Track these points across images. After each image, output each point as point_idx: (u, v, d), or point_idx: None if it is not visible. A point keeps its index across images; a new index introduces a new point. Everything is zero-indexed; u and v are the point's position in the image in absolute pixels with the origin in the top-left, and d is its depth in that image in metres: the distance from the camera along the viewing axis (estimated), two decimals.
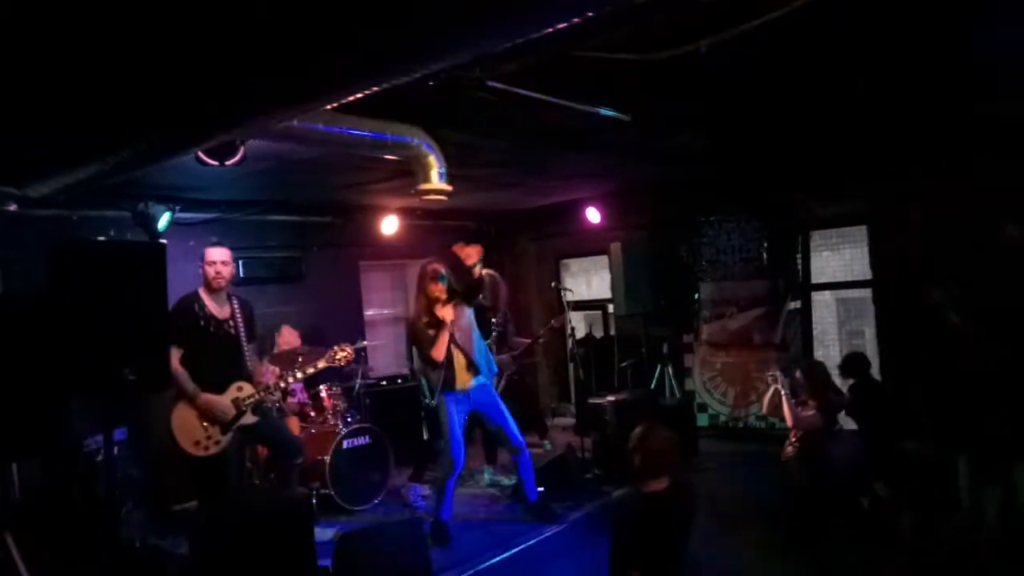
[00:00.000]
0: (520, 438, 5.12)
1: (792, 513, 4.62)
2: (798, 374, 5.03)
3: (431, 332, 4.86)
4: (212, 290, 4.57)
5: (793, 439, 5.05)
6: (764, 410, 4.99)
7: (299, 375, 4.93)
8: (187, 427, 4.39)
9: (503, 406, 5.12)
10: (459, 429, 4.93)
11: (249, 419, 4.56)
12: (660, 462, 3.39)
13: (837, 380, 5.55)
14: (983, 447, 4.63)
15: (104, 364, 3.33)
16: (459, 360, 4.95)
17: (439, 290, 4.87)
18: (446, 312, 4.84)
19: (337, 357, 5.01)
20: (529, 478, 5.17)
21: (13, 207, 4.68)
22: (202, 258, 4.60)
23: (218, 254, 4.59)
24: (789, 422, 4.67)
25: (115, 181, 4.08)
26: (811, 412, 4.79)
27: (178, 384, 4.33)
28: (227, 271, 4.61)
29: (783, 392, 4.83)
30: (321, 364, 4.99)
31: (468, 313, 5.04)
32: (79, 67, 2.79)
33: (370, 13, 2.17)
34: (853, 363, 5.88)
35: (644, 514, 3.37)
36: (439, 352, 4.83)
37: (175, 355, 4.23)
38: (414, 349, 5.75)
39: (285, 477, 4.94)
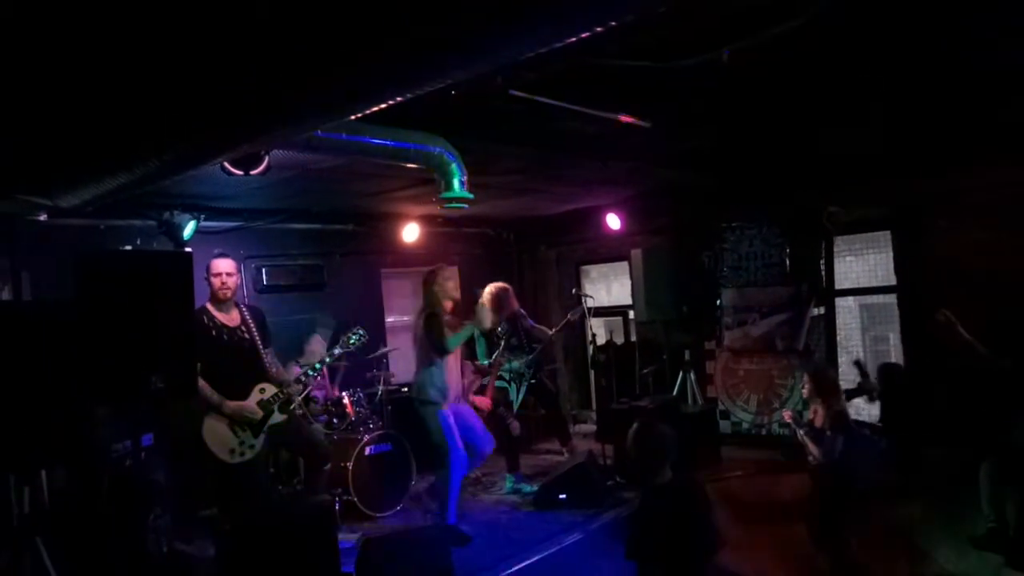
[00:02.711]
0: (490, 449, 5.40)
1: (816, 518, 4.59)
2: (805, 377, 5.00)
3: (451, 328, 5.11)
4: (218, 301, 4.61)
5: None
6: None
7: (317, 366, 4.97)
8: (219, 437, 4.43)
9: (475, 418, 5.44)
10: (458, 432, 5.16)
11: (278, 417, 4.61)
12: (657, 457, 3.43)
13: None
14: (1006, 453, 4.58)
15: (132, 372, 3.37)
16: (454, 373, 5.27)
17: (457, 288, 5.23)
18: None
19: (351, 341, 5.04)
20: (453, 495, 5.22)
21: (43, 217, 4.78)
22: (207, 270, 4.62)
23: (223, 265, 4.63)
24: (818, 457, 4.67)
25: (142, 191, 4.14)
26: (820, 449, 4.75)
27: (202, 396, 4.37)
28: (232, 282, 4.64)
29: (800, 433, 4.84)
30: (337, 351, 5.02)
31: None
32: (108, 79, 2.84)
33: (395, 24, 2.19)
34: (888, 374, 5.87)
35: (652, 509, 3.41)
36: (455, 345, 5.11)
37: None
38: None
39: (313, 483, 4.97)
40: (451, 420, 5.09)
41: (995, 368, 4.66)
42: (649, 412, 6.23)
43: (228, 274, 4.62)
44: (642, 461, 3.50)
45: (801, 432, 4.82)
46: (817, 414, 4.86)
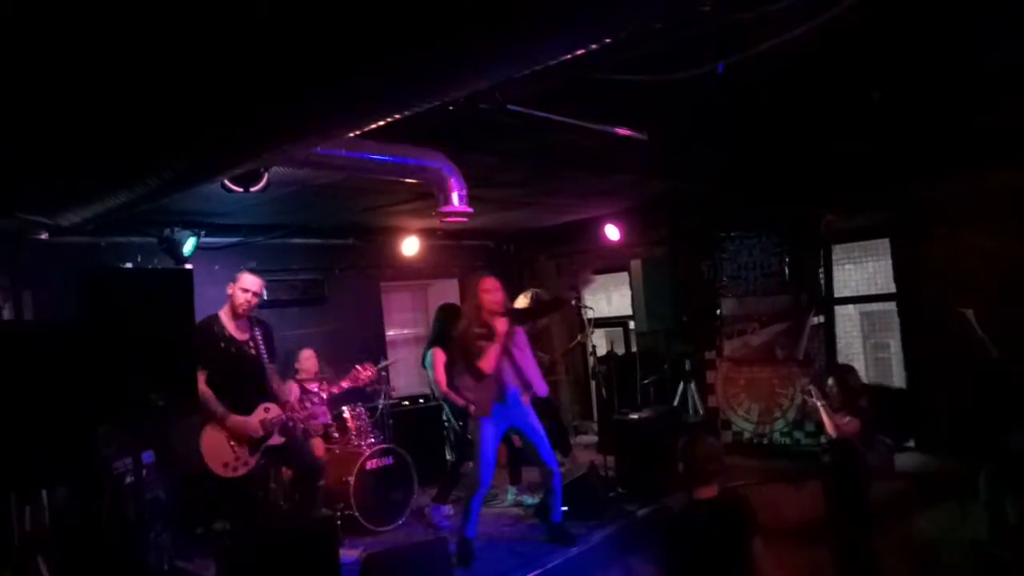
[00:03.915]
0: (554, 461, 5.10)
1: (830, 521, 4.59)
2: (831, 380, 5.01)
3: (481, 343, 4.82)
4: (236, 315, 4.61)
5: (827, 446, 5.02)
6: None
7: (324, 396, 4.98)
8: (216, 449, 4.43)
9: (540, 427, 5.09)
10: (492, 451, 4.93)
11: (276, 440, 4.60)
12: (706, 469, 3.40)
13: None
14: (1006, 459, 4.59)
15: (133, 390, 3.38)
16: (505, 377, 4.92)
17: (495, 302, 4.87)
18: (500, 323, 4.83)
19: (361, 376, 5.05)
20: (556, 501, 5.14)
21: (44, 235, 4.80)
22: (234, 281, 4.62)
23: (254, 283, 4.63)
24: (830, 431, 4.69)
25: (142, 208, 4.16)
26: (848, 419, 4.78)
27: (207, 406, 4.37)
28: (256, 302, 4.66)
29: (819, 404, 4.84)
30: (345, 384, 5.03)
31: (522, 332, 5.04)
32: (109, 97, 2.86)
33: (394, 42, 2.21)
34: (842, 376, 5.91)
35: (695, 523, 3.37)
36: (488, 364, 4.79)
37: (200, 377, 4.27)
38: (431, 368, 5.82)
39: (308, 499, 4.97)
40: (488, 436, 4.89)
41: (1004, 372, 4.68)
42: (651, 423, 6.23)
43: (254, 293, 4.63)
44: (690, 474, 3.44)
45: (820, 404, 4.83)
46: (840, 414, 4.87)
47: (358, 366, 5.09)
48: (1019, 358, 4.72)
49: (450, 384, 5.84)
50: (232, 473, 4.45)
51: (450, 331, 5.94)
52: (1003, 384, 4.72)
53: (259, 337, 4.66)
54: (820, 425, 5.03)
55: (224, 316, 4.60)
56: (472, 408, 5.61)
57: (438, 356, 5.86)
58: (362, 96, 2.65)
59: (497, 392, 4.88)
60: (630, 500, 5.89)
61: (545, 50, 2.26)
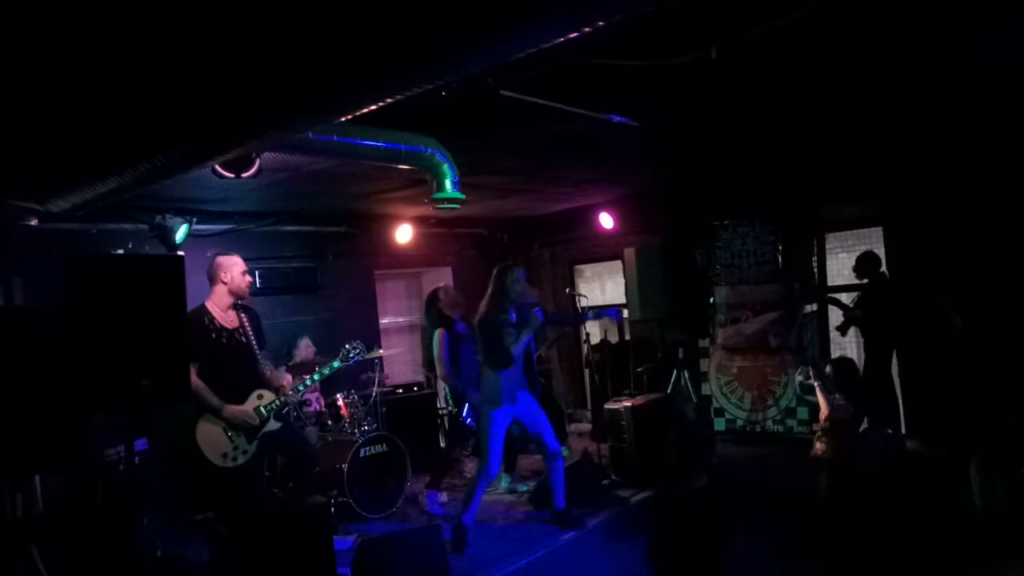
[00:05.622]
0: (557, 445, 5.15)
1: (822, 511, 4.62)
2: (828, 369, 5.05)
3: (510, 330, 4.87)
4: (230, 303, 4.58)
5: (820, 434, 5.06)
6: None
7: (316, 377, 4.97)
8: (213, 440, 4.41)
9: (542, 413, 5.13)
10: (502, 442, 4.98)
11: (273, 425, 4.59)
12: (696, 462, 3.41)
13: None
14: (994, 445, 4.63)
15: (124, 376, 3.35)
16: (517, 373, 4.97)
17: (530, 294, 4.93)
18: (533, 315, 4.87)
19: (350, 355, 5.05)
20: (559, 486, 5.17)
21: (34, 222, 4.76)
22: (219, 268, 4.54)
23: (243, 262, 4.64)
24: (824, 410, 4.72)
25: (133, 194, 4.13)
26: (844, 403, 4.82)
27: (201, 399, 4.33)
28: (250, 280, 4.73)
29: (815, 384, 4.88)
30: (336, 364, 5.03)
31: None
32: (98, 83, 2.84)
33: (387, 25, 2.20)
34: (867, 261, 6.29)
35: (681, 510, 3.39)
36: (518, 351, 4.87)
37: (192, 370, 4.23)
38: (436, 347, 5.82)
39: (302, 486, 4.97)
40: (499, 429, 4.93)
41: (974, 352, 4.72)
42: (644, 411, 6.23)
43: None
44: (681, 466, 3.46)
45: (816, 384, 4.86)
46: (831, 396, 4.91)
47: (347, 345, 5.09)
48: (996, 340, 4.76)
49: (452, 368, 5.85)
50: (232, 463, 4.43)
51: (446, 315, 5.96)
52: (977, 366, 4.77)
53: (247, 324, 4.64)
54: (816, 405, 5.06)
55: (212, 306, 4.55)
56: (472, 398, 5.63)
57: (444, 338, 5.86)
58: (355, 81, 2.63)
59: (509, 391, 4.92)
60: (623, 487, 5.90)
61: (538, 33, 2.24)
